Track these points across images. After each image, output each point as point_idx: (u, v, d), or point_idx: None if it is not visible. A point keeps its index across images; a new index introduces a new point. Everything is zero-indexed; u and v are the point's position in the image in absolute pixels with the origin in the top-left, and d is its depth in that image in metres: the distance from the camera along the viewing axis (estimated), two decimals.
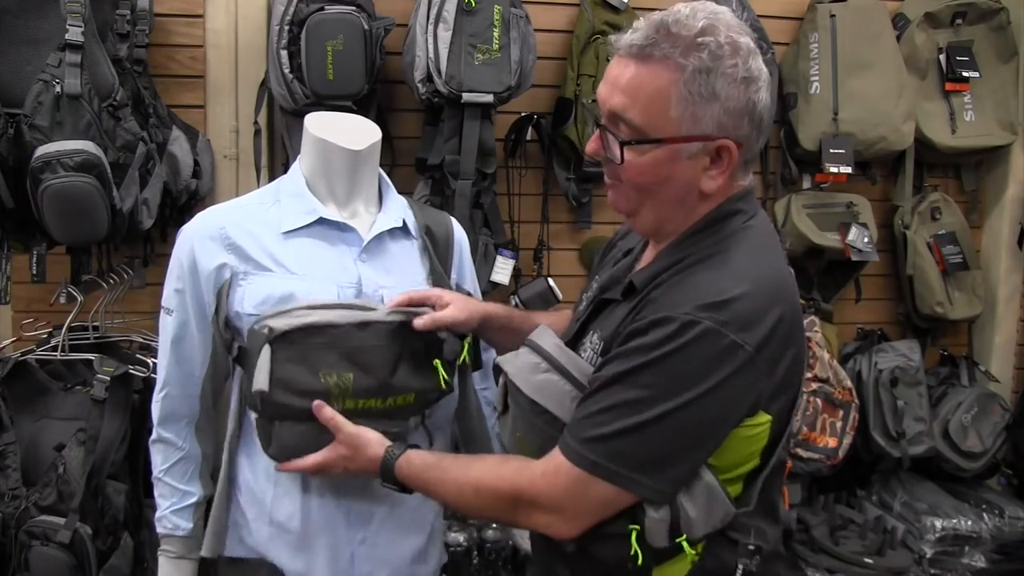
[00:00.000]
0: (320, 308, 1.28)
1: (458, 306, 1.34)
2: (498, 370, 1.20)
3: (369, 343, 1.28)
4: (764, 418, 1.04)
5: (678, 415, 0.98)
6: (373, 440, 1.24)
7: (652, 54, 1.01)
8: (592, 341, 1.14)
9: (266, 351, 1.24)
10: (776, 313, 1.01)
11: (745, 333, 0.98)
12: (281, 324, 1.24)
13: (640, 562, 1.04)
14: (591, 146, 1.10)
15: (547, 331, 1.18)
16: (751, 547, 1.08)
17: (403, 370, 1.31)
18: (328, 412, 1.25)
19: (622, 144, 1.04)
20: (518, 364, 1.15)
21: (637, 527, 1.03)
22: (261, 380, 1.23)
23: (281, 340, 1.24)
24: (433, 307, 1.34)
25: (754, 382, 1.00)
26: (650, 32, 1.02)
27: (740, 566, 1.08)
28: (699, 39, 1.00)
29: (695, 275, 1.04)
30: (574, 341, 1.19)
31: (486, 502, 1.12)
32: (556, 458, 1.05)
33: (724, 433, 1.02)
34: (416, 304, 1.34)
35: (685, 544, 1.03)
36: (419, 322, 1.30)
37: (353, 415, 1.27)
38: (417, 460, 1.20)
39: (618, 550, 1.05)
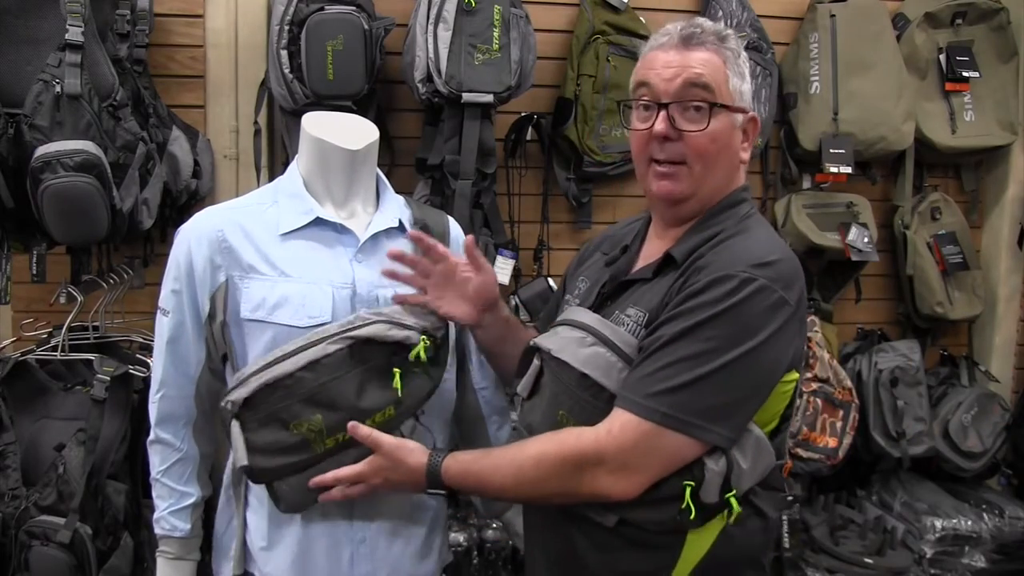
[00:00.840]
0: (279, 360, 1.26)
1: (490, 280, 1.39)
2: (530, 352, 1.24)
3: (324, 380, 1.26)
4: (794, 376, 1.16)
5: (741, 363, 1.07)
6: (415, 448, 1.26)
7: (704, 41, 1.18)
8: (629, 315, 1.19)
9: (235, 427, 1.25)
10: (802, 281, 1.14)
11: (788, 291, 1.10)
12: (240, 394, 1.25)
13: (693, 515, 1.08)
14: (660, 126, 1.18)
15: (581, 309, 1.24)
16: (790, 497, 1.19)
17: (371, 389, 1.29)
18: (364, 431, 1.25)
19: (712, 106, 1.17)
20: (561, 340, 1.19)
21: (692, 483, 1.08)
22: (240, 456, 1.25)
23: (245, 408, 1.25)
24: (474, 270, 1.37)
25: (794, 336, 1.12)
26: (687, 28, 1.20)
27: (785, 517, 1.20)
28: (723, 33, 1.21)
29: (736, 243, 1.15)
30: None
31: (548, 472, 1.13)
32: (621, 416, 1.09)
33: (776, 382, 1.12)
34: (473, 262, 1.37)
35: (733, 500, 1.10)
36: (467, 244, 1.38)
37: (340, 450, 1.28)
38: (465, 455, 1.23)
39: (666, 512, 1.10)
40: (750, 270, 1.09)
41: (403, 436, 1.35)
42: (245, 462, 1.25)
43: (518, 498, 1.23)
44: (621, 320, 1.19)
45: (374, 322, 1.29)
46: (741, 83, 1.20)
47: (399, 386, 1.29)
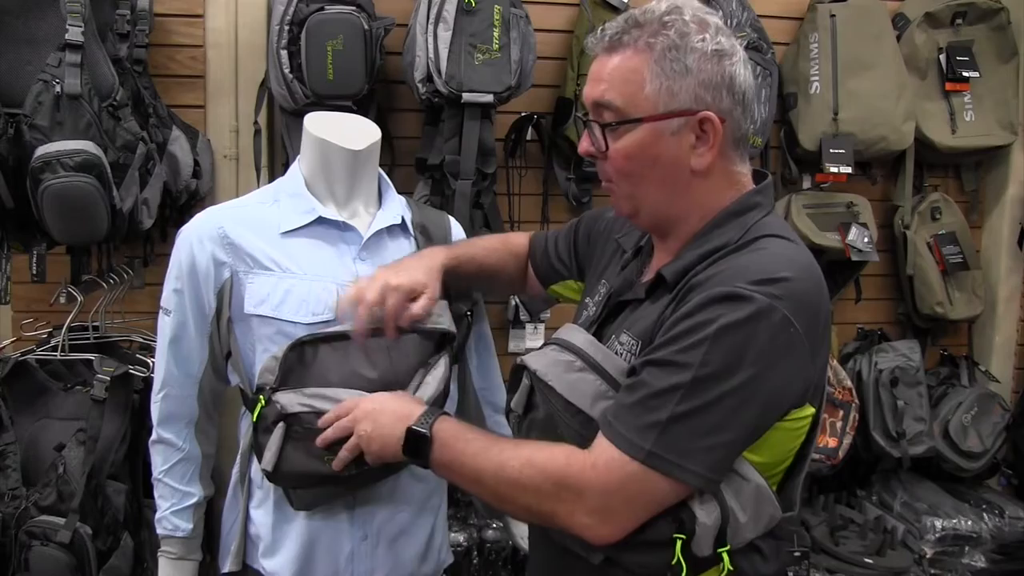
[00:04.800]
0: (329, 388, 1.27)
1: (430, 297, 1.30)
2: (519, 370, 1.13)
3: None
4: (809, 411, 1.02)
5: (736, 396, 0.94)
6: (413, 397, 1.21)
7: (622, 41, 1.05)
8: (622, 341, 1.08)
9: (279, 430, 1.24)
10: (820, 301, 1.00)
11: (797, 313, 0.95)
12: (290, 405, 1.24)
13: (684, 572, 0.97)
14: (582, 145, 1.11)
15: (576, 328, 1.14)
16: (797, 553, 1.03)
17: None
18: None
19: (603, 127, 1.06)
20: (547, 362, 1.08)
21: (683, 536, 0.97)
22: (268, 460, 1.25)
23: (291, 418, 1.25)
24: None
25: (803, 365, 0.97)
26: (620, 25, 1.06)
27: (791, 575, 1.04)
28: (665, 19, 1.04)
29: (738, 259, 1.01)
30: None
31: (528, 481, 1.01)
32: (607, 450, 0.97)
33: (774, 418, 0.98)
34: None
35: (725, 556, 0.98)
36: (412, 316, 1.28)
37: (364, 473, 1.27)
38: (461, 424, 1.12)
39: (655, 559, 0.99)
40: (748, 287, 0.94)
41: None
42: (270, 468, 1.25)
43: (494, 495, 1.06)
44: (615, 348, 1.09)
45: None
46: (673, 80, 1.02)
47: None
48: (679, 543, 0.97)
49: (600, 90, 1.07)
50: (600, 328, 1.15)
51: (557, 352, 1.08)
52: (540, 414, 1.09)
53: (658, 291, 1.08)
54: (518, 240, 1.53)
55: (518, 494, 1.04)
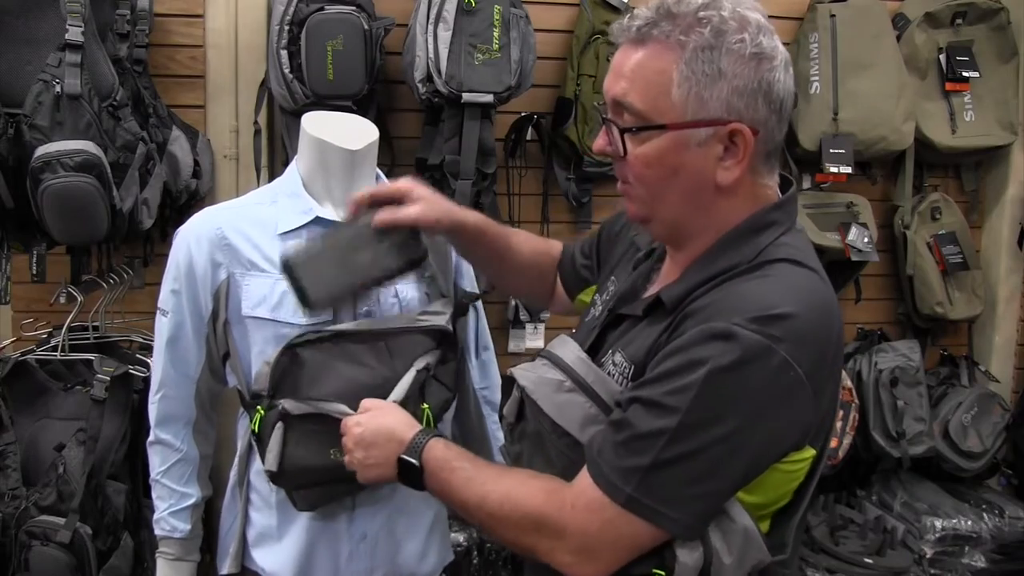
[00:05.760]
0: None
1: (428, 203, 1.24)
2: (511, 380, 1.08)
3: None
4: (809, 453, 0.94)
5: (725, 443, 0.87)
6: (406, 416, 1.15)
7: (651, 34, 0.94)
8: (616, 361, 1.02)
9: (279, 431, 1.25)
10: (827, 337, 0.92)
11: (798, 354, 0.87)
12: (292, 409, 1.24)
13: None
14: (598, 143, 1.02)
15: (568, 342, 1.06)
16: None
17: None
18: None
19: (623, 132, 0.96)
20: (536, 378, 1.02)
21: (662, 572, 0.92)
22: (271, 460, 1.25)
23: (293, 419, 1.25)
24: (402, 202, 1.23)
25: (804, 409, 0.90)
26: (650, 14, 0.95)
27: None
28: (700, 14, 0.92)
29: (740, 286, 0.93)
30: (591, 354, 1.06)
31: (508, 517, 0.98)
32: (588, 490, 0.93)
33: (766, 463, 0.91)
34: (383, 198, 1.24)
35: None
36: (378, 218, 1.21)
37: None
38: (453, 447, 1.07)
39: None
40: (745, 324, 0.86)
41: None
42: (274, 468, 1.25)
43: (480, 525, 1.04)
44: (608, 367, 1.02)
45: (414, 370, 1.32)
46: (704, 85, 0.92)
47: (426, 421, 1.29)
48: None
49: (621, 88, 0.96)
50: (601, 335, 1.09)
51: (547, 368, 1.03)
52: (530, 427, 1.05)
53: (656, 313, 1.00)
54: (556, 246, 1.47)
55: (500, 528, 1.01)
